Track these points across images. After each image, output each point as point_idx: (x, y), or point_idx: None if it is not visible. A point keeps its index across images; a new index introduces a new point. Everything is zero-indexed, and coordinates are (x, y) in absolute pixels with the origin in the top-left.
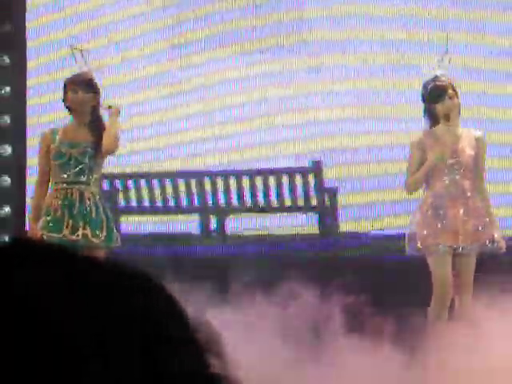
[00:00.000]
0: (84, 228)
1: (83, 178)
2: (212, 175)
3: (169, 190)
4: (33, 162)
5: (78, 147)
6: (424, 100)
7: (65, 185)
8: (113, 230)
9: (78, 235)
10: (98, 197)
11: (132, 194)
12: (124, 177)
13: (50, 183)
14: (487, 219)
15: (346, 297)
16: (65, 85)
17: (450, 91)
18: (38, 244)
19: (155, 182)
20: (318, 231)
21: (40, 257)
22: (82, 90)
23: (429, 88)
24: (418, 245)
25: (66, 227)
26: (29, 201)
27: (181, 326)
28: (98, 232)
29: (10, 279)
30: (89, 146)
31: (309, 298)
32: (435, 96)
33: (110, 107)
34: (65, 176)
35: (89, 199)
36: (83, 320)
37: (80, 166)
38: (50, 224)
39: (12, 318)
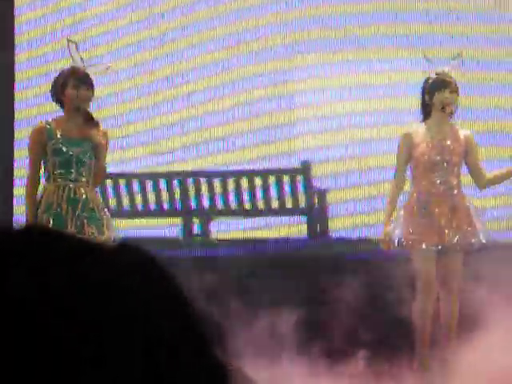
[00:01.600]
0: (89, 227)
1: (85, 177)
2: (195, 176)
3: (150, 191)
4: (20, 153)
5: (79, 145)
6: (423, 91)
7: (67, 182)
8: (114, 229)
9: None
10: (95, 193)
11: (111, 196)
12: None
13: (48, 180)
14: (474, 218)
15: (337, 298)
16: (63, 78)
17: (453, 86)
18: (37, 241)
19: (135, 183)
20: (306, 233)
21: (38, 255)
22: (84, 87)
23: (432, 78)
24: (403, 242)
25: (71, 226)
26: (17, 193)
27: (183, 325)
28: (103, 230)
29: (7, 280)
30: (89, 144)
31: (299, 300)
32: (437, 86)
33: None
34: (66, 174)
35: (92, 198)
36: (82, 322)
37: (82, 165)
38: (53, 219)
39: (9, 320)
